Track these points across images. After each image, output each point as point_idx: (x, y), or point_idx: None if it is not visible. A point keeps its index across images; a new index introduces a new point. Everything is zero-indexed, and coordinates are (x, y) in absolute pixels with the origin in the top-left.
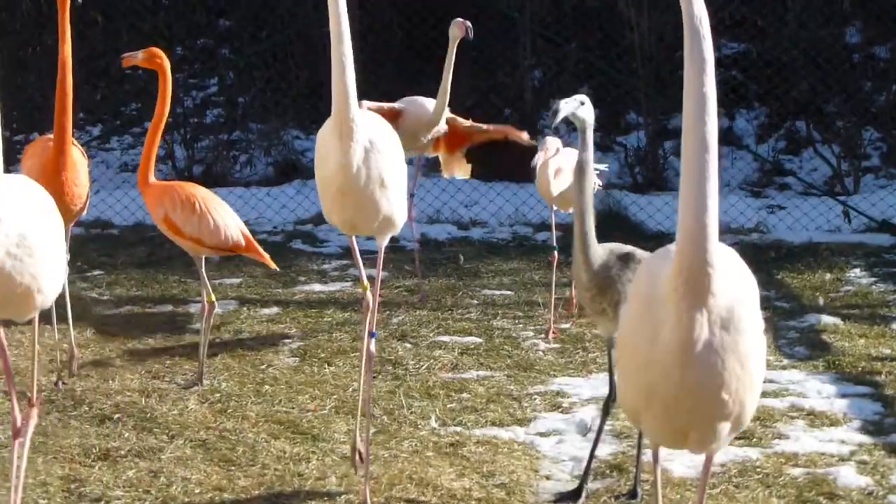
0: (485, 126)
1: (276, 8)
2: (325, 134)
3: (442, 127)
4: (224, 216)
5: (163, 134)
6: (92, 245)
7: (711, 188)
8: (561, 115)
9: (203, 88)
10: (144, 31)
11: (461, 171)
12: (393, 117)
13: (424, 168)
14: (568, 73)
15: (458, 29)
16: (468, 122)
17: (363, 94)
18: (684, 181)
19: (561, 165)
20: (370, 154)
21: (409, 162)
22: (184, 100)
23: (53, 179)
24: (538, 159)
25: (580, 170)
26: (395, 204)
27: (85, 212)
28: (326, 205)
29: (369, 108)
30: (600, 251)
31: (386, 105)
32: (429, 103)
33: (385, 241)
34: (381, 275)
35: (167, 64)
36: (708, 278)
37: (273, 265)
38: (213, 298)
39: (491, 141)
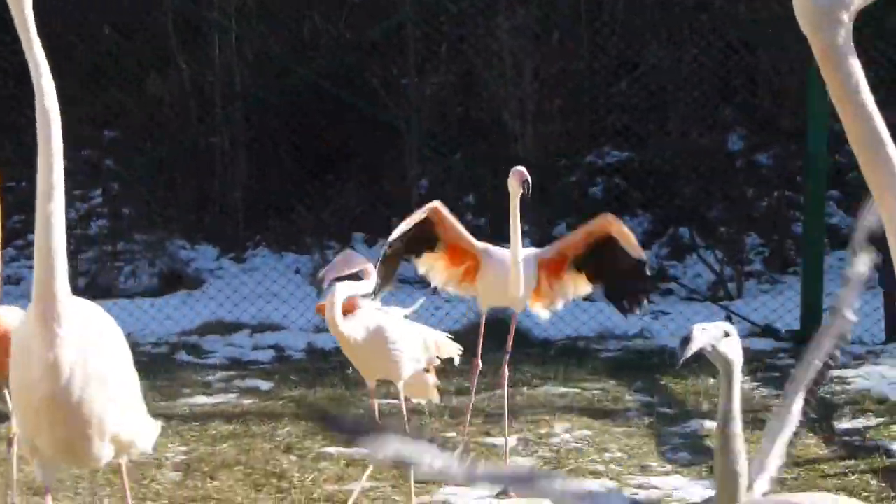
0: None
1: (162, 121)
2: (26, 323)
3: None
4: None
5: None
6: None
7: None
8: (694, 349)
9: (87, 199)
10: (26, 142)
11: (580, 286)
12: (470, 265)
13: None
14: (453, 183)
15: (516, 181)
16: (558, 244)
17: (250, 207)
18: None
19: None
20: (89, 348)
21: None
22: (68, 211)
23: None
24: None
25: (725, 424)
26: (128, 413)
27: None
28: (29, 422)
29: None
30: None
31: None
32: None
33: (124, 462)
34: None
35: None
36: None
37: None
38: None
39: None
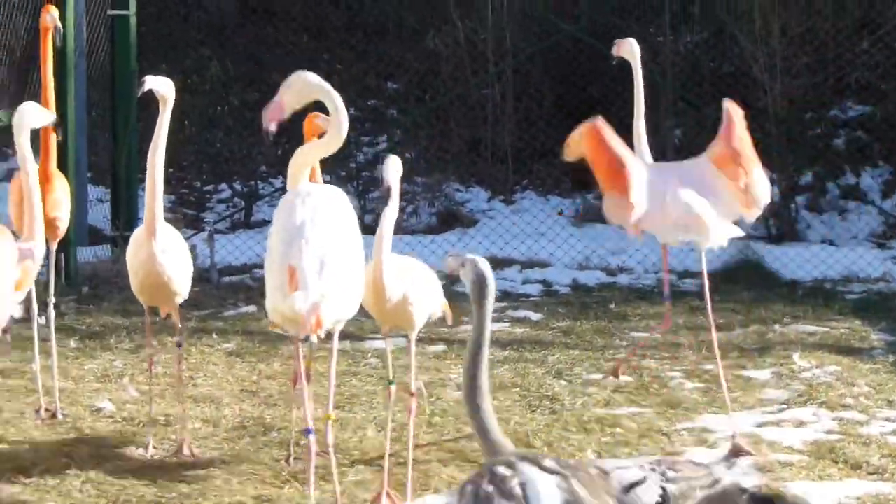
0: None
1: (439, 73)
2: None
3: None
4: None
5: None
6: None
7: None
8: None
9: (374, 145)
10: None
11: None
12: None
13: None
14: (706, 133)
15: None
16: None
17: (518, 153)
18: None
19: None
20: None
21: None
22: (357, 155)
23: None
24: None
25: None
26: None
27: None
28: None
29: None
30: None
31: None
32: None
33: None
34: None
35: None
36: None
37: None
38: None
39: None
